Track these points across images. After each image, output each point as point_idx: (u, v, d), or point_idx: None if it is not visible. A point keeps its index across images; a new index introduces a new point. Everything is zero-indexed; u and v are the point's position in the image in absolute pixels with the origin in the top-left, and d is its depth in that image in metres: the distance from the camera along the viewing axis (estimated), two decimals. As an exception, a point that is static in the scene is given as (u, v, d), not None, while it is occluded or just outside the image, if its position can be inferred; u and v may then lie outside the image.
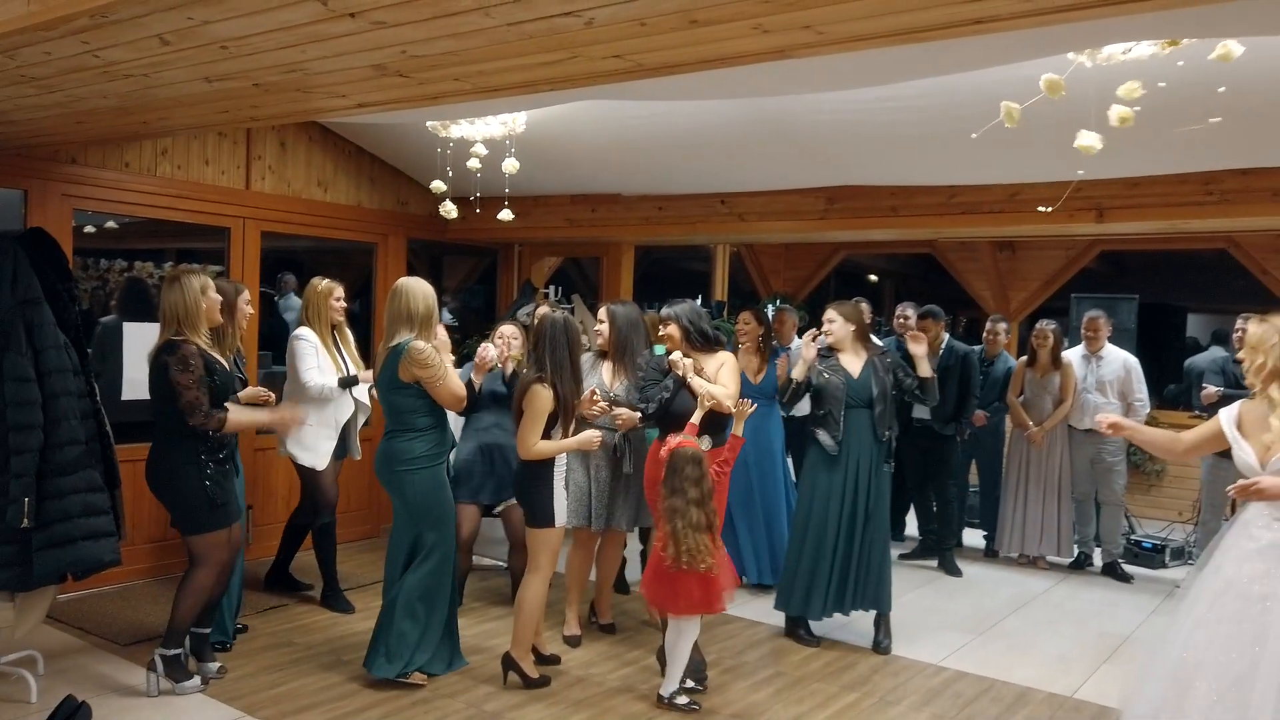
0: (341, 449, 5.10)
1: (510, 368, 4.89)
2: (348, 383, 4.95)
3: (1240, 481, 2.97)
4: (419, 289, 4.03)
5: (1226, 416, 3.19)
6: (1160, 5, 1.95)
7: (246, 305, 4.63)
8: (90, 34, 2.45)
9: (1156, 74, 3.00)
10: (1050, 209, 4.33)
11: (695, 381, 4.37)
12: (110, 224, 6.05)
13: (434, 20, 2.22)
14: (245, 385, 4.45)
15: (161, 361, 3.85)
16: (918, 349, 4.75)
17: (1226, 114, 3.36)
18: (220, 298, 4.09)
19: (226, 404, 3.98)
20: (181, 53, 2.59)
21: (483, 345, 4.83)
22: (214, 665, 4.19)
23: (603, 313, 4.81)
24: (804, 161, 5.42)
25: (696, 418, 4.18)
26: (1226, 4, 2.11)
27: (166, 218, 5.78)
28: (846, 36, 2.20)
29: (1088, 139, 2.86)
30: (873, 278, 12.53)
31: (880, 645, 4.80)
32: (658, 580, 3.94)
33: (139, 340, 4.91)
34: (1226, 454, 6.39)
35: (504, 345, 4.88)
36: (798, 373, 4.79)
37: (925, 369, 4.77)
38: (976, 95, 3.92)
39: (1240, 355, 3.15)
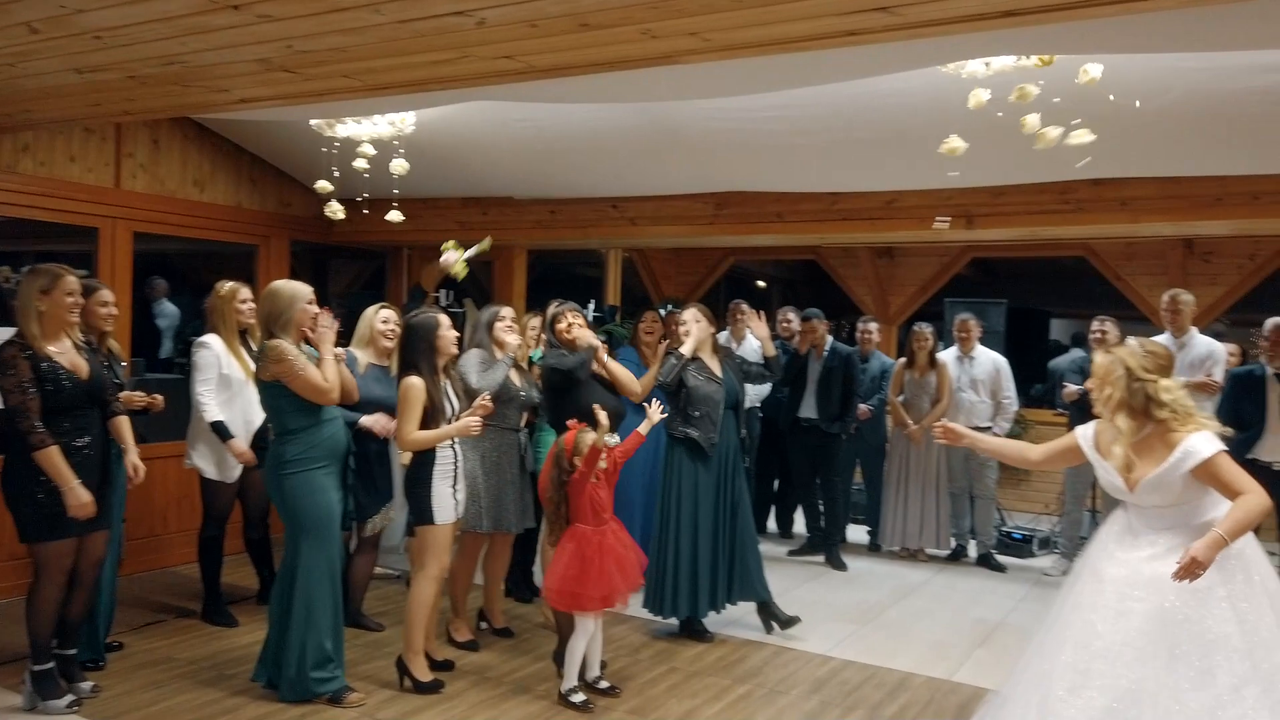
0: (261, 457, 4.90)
1: None
2: (222, 435, 4.73)
3: (1182, 566, 2.79)
4: (280, 289, 3.99)
5: (1083, 437, 3.24)
6: (1008, 24, 2.10)
7: (103, 308, 4.36)
8: (-51, 20, 2.33)
9: (1015, 85, 3.20)
10: (949, 222, 4.55)
11: (611, 364, 4.45)
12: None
13: (322, 15, 2.20)
14: (121, 389, 4.27)
15: None
16: (761, 330, 5.08)
17: (1079, 128, 3.61)
18: (73, 299, 3.82)
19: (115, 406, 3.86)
20: (51, 42, 2.48)
21: None
22: (86, 685, 4.02)
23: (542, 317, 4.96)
24: (693, 167, 5.55)
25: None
26: (1092, 21, 2.28)
27: (29, 217, 5.48)
28: (729, 44, 2.28)
29: (955, 141, 3.05)
30: (761, 284, 12.83)
31: (779, 620, 4.99)
32: (562, 580, 3.96)
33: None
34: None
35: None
36: (687, 349, 4.86)
37: (770, 348, 5.10)
38: (855, 105, 4.11)
39: (1089, 384, 3.22)
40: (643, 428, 4.27)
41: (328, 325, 3.99)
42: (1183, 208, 4.69)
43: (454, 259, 4.95)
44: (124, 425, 4.11)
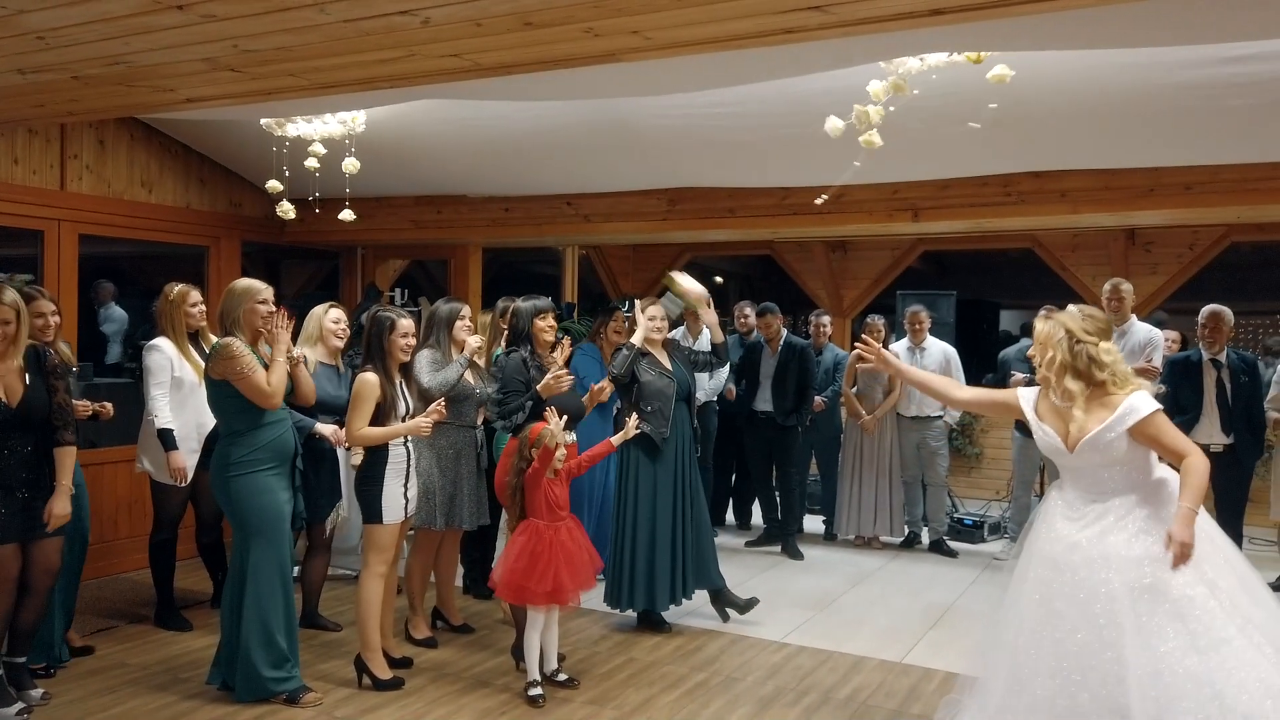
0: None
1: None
2: (166, 444, 4.68)
3: (1175, 555, 2.85)
4: (234, 286, 4.01)
5: (1024, 397, 3.29)
6: (936, 22, 2.18)
7: (39, 319, 4.20)
8: (-116, 18, 2.30)
9: (950, 80, 3.30)
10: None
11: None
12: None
13: (267, 15, 2.21)
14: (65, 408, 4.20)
15: None
16: (709, 317, 5.10)
17: (1018, 122, 3.73)
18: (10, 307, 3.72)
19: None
20: (-9, 41, 2.47)
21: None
22: (36, 693, 3.96)
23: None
24: (646, 164, 5.60)
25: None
26: (1021, 18, 2.37)
27: (-30, 220, 5.40)
28: (670, 42, 2.34)
29: (833, 122, 3.19)
30: (718, 279, 12.93)
31: (737, 606, 5.07)
32: (509, 572, 4.01)
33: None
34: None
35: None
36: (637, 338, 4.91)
37: (719, 335, 5.14)
38: (803, 102, 4.19)
39: (1031, 352, 3.28)
40: (615, 439, 4.35)
41: (282, 326, 3.98)
42: (1119, 198, 4.84)
43: (675, 307, 4.91)
44: (64, 458, 3.88)
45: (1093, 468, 3.10)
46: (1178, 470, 3.05)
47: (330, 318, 4.81)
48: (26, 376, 3.79)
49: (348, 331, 4.87)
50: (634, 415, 4.57)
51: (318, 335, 4.80)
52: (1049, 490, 3.37)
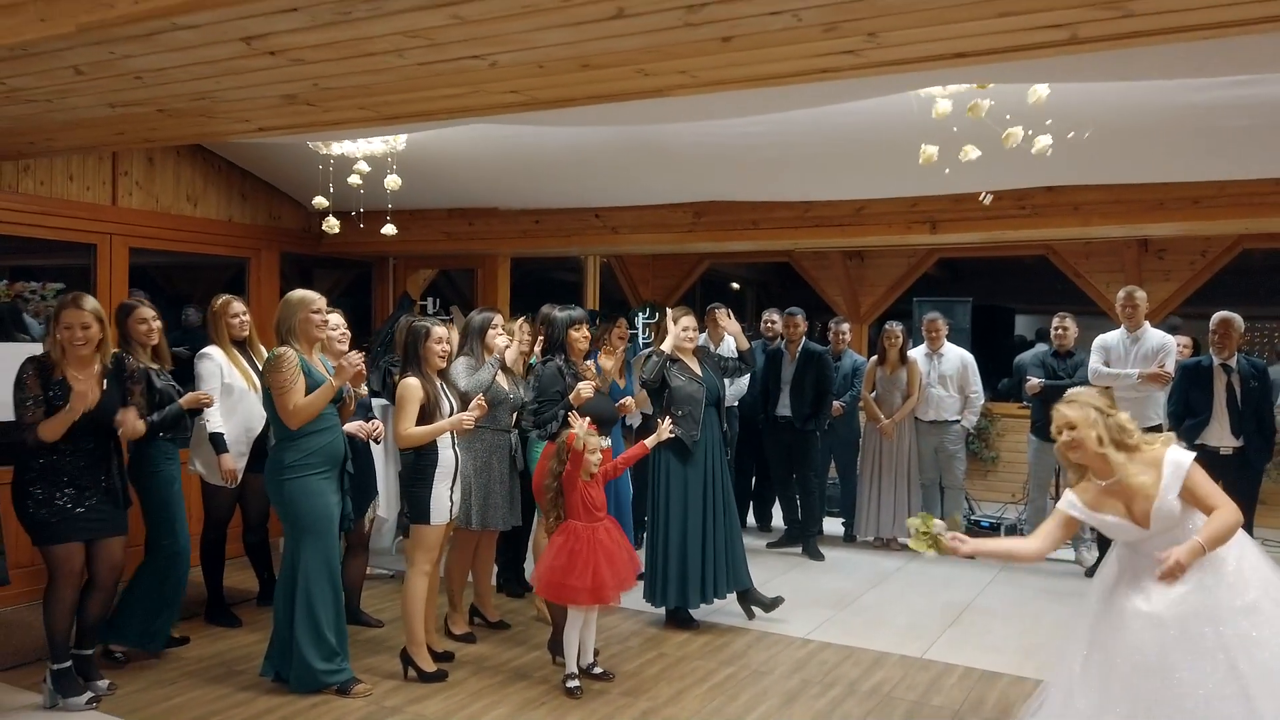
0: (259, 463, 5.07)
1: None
2: (218, 447, 4.92)
3: (1166, 568, 2.93)
4: (290, 296, 4.20)
5: (1071, 506, 3.24)
6: (959, 64, 2.39)
7: (141, 324, 4.57)
8: (3, 64, 2.54)
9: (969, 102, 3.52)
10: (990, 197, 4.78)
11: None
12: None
13: (351, 59, 2.44)
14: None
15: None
16: (733, 326, 5.44)
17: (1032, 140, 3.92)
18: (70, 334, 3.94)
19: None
20: (93, 81, 2.70)
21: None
22: (103, 683, 4.19)
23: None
24: (673, 179, 5.83)
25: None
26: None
27: (30, 235, 5.65)
28: (715, 80, 2.55)
29: (929, 150, 3.41)
30: (735, 286, 13.12)
31: (763, 604, 5.26)
32: (549, 570, 4.21)
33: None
34: (1048, 437, 7.03)
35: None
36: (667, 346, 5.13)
37: (744, 342, 5.46)
38: (827, 122, 4.40)
39: (1063, 440, 3.20)
40: (650, 440, 4.56)
41: (335, 329, 4.21)
42: (1129, 211, 5.03)
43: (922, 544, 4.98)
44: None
45: (1162, 531, 3.09)
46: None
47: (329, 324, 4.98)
48: (104, 382, 4.04)
49: (347, 335, 4.90)
50: (667, 418, 4.78)
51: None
52: (1109, 566, 3.33)
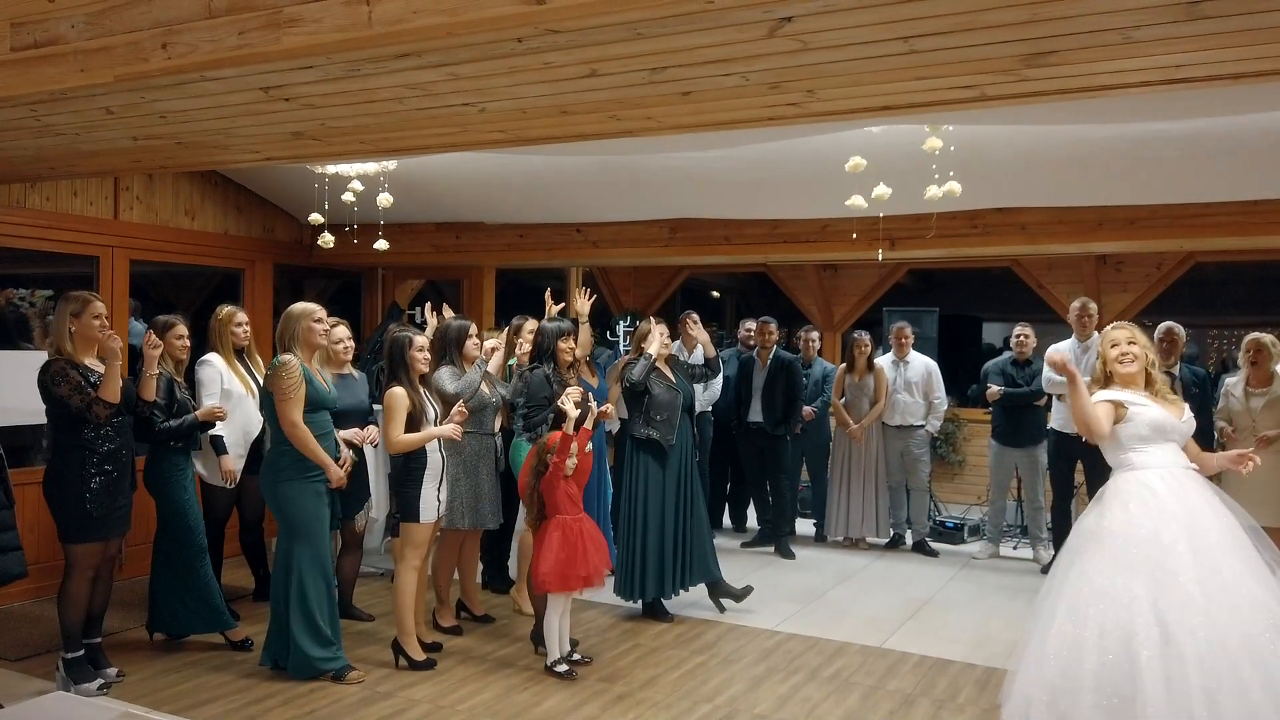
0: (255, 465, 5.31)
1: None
2: (218, 449, 5.19)
3: (1240, 454, 3.48)
4: (292, 308, 4.48)
5: (1104, 394, 3.52)
6: (887, 115, 2.73)
7: (178, 340, 4.91)
8: (41, 105, 2.83)
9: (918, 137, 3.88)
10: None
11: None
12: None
13: (356, 104, 2.75)
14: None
15: (40, 381, 4.20)
16: (702, 334, 5.78)
17: (982, 164, 4.29)
18: (99, 322, 4.29)
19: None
20: (122, 120, 3.00)
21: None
22: (112, 670, 4.45)
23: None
24: (650, 197, 6.17)
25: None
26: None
27: (36, 249, 5.92)
28: (676, 124, 2.89)
29: (856, 159, 3.79)
30: (715, 294, 13.45)
31: (733, 595, 5.58)
32: (555, 563, 4.47)
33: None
34: (1007, 442, 7.33)
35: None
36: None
37: (711, 350, 5.83)
38: (792, 147, 4.75)
39: (1124, 350, 3.56)
40: (588, 422, 4.73)
41: (338, 343, 4.52)
42: (1072, 231, 5.40)
43: None
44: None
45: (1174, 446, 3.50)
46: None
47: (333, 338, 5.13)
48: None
49: (351, 347, 5.22)
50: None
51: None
52: (1128, 474, 3.50)
